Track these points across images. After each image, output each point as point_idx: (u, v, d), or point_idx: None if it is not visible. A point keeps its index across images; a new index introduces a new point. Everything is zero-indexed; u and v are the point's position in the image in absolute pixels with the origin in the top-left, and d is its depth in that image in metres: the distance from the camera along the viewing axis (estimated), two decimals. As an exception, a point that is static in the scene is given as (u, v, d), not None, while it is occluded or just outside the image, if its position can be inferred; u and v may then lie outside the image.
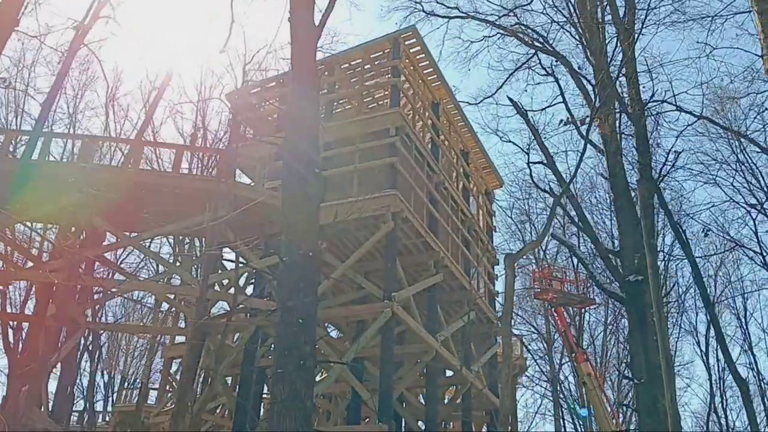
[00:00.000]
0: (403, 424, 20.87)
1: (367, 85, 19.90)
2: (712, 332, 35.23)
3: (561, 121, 13.50)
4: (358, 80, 19.75)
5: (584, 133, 11.60)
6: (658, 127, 19.85)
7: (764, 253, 18.59)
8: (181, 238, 28.00)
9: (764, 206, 17.16)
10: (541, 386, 38.93)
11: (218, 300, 15.74)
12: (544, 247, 35.52)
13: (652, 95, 12.63)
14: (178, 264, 28.03)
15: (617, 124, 15.11)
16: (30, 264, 19.02)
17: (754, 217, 17.77)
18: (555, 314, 27.01)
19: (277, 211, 10.41)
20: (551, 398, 36.47)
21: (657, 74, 21.62)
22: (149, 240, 25.74)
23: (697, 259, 30.33)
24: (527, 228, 36.84)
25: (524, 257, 37.16)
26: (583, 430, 28.59)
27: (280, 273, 10.53)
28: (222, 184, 14.46)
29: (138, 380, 38.23)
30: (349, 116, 19.64)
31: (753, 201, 18.69)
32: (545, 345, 36.92)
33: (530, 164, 16.88)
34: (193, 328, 14.97)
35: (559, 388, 36.14)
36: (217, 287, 17.42)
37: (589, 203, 36.10)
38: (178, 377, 21.73)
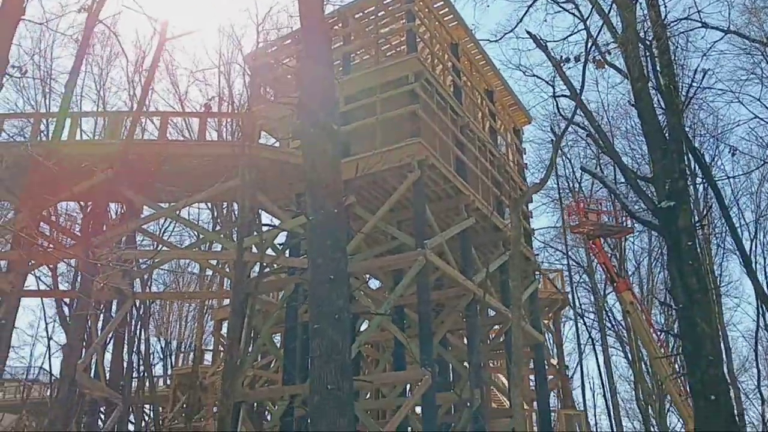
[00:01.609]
0: (450, 367, 21.26)
1: (382, 33, 19.61)
2: (758, 249, 34.75)
3: (573, 57, 13.11)
4: (373, 29, 19.48)
5: (583, 66, 11.28)
6: (687, 46, 19.28)
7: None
8: (218, 203, 28.52)
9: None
10: (588, 318, 39.04)
11: (255, 261, 16.04)
12: (579, 180, 35.14)
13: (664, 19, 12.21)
14: (218, 229, 28.64)
15: (641, 48, 14.67)
16: (73, 242, 19.60)
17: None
18: (593, 246, 26.86)
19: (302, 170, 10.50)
20: (598, 329, 36.54)
21: (681, -10, 20.83)
22: (187, 208, 26.18)
23: (739, 177, 29.78)
24: (561, 162, 36.35)
25: (561, 191, 36.96)
26: None
27: (307, 232, 10.73)
28: (246, 148, 14.60)
29: (192, 344, 39.46)
30: (367, 67, 19.46)
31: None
32: (588, 277, 36.82)
33: (555, 97, 16.57)
34: (234, 290, 15.41)
35: (605, 318, 36.16)
36: (255, 249, 17.75)
37: (624, 130, 35.48)
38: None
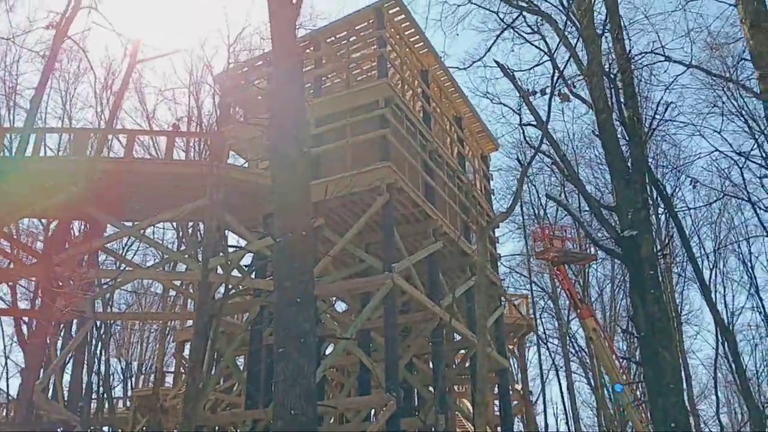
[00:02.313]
0: (415, 392, 21.21)
1: (353, 58, 19.80)
2: (718, 278, 35.52)
3: (539, 90, 13.39)
4: (344, 53, 19.65)
5: (549, 98, 11.56)
6: (651, 79, 19.80)
7: (752, 201, 18.61)
8: (183, 223, 28.23)
9: (751, 155, 17.19)
10: (552, 343, 39.38)
11: (220, 283, 15.91)
12: (545, 207, 35.65)
13: (628, 53, 12.56)
14: (182, 249, 28.32)
15: (606, 80, 15.03)
16: (34, 260, 19.21)
17: (741, 165, 17.81)
18: (557, 272, 27.20)
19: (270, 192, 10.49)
20: (562, 354, 36.85)
21: (644, 26, 21.48)
22: (151, 228, 25.89)
23: (700, 208, 30.50)
24: (527, 188, 36.84)
25: (526, 217, 37.42)
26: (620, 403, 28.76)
27: (274, 254, 10.68)
28: (214, 168, 14.53)
29: (153, 365, 38.77)
30: (338, 90, 19.60)
31: (746, 148, 18.72)
32: (553, 303, 37.22)
33: (522, 125, 16.86)
34: (197, 311, 15.21)
35: (569, 344, 36.51)
36: (220, 270, 17.59)
37: (588, 159, 36.17)
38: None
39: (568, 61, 14.11)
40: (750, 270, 35.87)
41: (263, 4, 11.03)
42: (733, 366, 18.40)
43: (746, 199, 19.46)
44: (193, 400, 13.80)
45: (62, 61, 28.47)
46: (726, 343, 18.21)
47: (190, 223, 28.78)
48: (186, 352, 27.07)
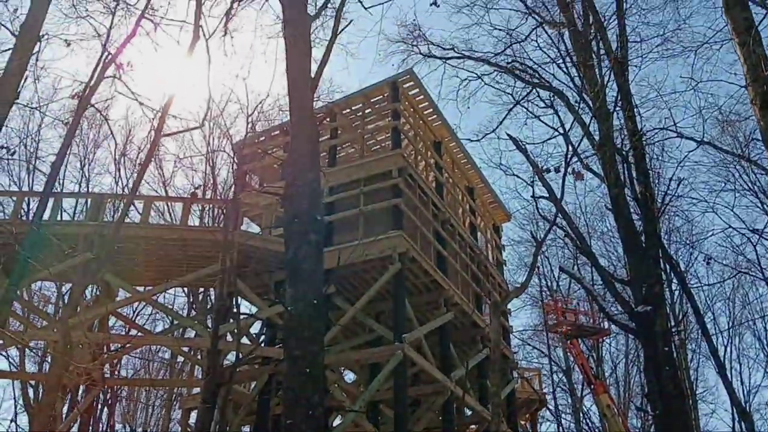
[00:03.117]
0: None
1: (368, 129, 20.22)
2: (734, 355, 34.84)
3: (553, 168, 13.57)
4: (359, 125, 20.07)
5: (563, 174, 11.71)
6: (663, 155, 20.00)
7: (766, 278, 18.45)
8: (195, 289, 28.25)
9: (765, 232, 17.16)
10: (565, 419, 38.39)
11: (230, 350, 15.80)
12: (558, 279, 35.44)
13: (638, 131, 12.78)
14: (193, 315, 28.26)
15: (617, 156, 15.21)
16: (45, 323, 19.22)
17: (754, 243, 17.77)
18: (571, 346, 26.80)
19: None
20: (575, 430, 35.90)
21: (656, 103, 21.85)
22: (162, 293, 25.90)
23: (713, 285, 30.23)
24: (540, 260, 36.70)
25: (539, 289, 37.16)
26: None
27: (285, 322, 10.65)
28: (229, 235, 14.64)
29: (158, 432, 38.03)
30: (352, 160, 19.92)
31: (759, 224, 18.73)
32: (566, 377, 36.50)
33: (535, 198, 16.99)
34: (205, 379, 15.04)
35: (582, 419, 35.60)
36: (229, 337, 17.50)
37: (601, 232, 36.13)
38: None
39: (582, 139, 14.35)
40: (766, 348, 35.22)
41: (283, 76, 11.35)
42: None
43: (761, 276, 19.27)
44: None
45: (83, 126, 29.25)
46: (743, 423, 17.69)
47: (201, 289, 28.80)
48: (192, 420, 26.66)
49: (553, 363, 37.19)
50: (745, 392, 35.50)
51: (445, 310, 18.48)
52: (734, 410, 16.80)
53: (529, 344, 38.11)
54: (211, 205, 27.89)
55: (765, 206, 19.23)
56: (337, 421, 19.23)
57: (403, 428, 15.26)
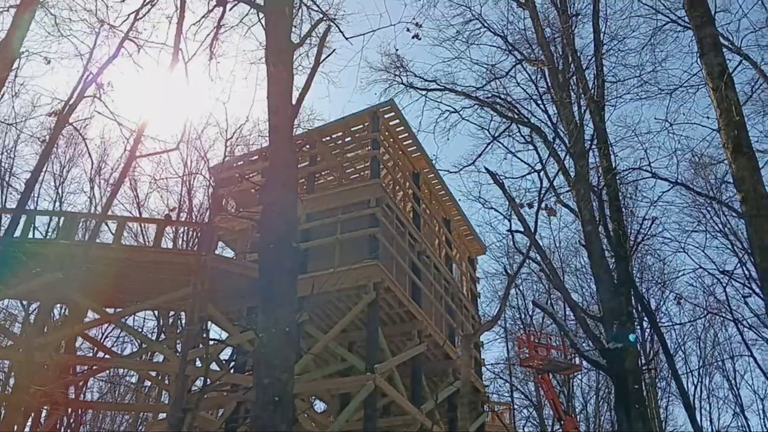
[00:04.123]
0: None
1: (347, 157, 20.30)
2: (703, 394, 35.10)
3: (527, 204, 13.74)
4: (338, 153, 20.14)
5: (537, 209, 11.86)
6: (636, 194, 20.28)
7: (735, 319, 18.73)
8: (165, 312, 27.84)
9: (734, 273, 17.45)
10: (535, 455, 38.21)
11: (198, 376, 15.54)
12: (531, 314, 35.55)
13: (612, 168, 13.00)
14: (162, 339, 27.80)
15: (592, 193, 15.41)
16: (10, 342, 18.80)
17: (724, 284, 18.06)
18: (542, 381, 26.81)
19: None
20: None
21: (631, 143, 22.24)
22: (132, 315, 25.53)
23: (684, 324, 30.56)
24: (514, 293, 36.85)
25: (511, 323, 37.26)
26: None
27: (256, 349, 10.52)
28: (202, 258, 14.51)
29: (121, 458, 37.14)
30: (331, 188, 19.95)
31: (729, 266, 19.04)
32: (536, 412, 36.43)
33: (511, 232, 17.13)
34: (172, 405, 14.77)
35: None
36: (198, 362, 17.24)
37: (574, 268, 36.41)
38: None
39: (555, 175, 14.55)
40: (735, 388, 35.55)
41: (263, 101, 11.39)
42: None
43: (730, 317, 19.53)
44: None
45: (59, 144, 28.96)
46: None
47: (172, 313, 28.40)
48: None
49: (523, 397, 37.17)
50: (713, 431, 35.72)
51: (418, 341, 18.40)
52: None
53: (501, 378, 38.05)
54: (185, 228, 27.66)
55: (735, 248, 19.58)
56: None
57: (372, 460, 15.09)
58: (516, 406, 35.55)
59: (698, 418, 32.69)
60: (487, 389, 25.92)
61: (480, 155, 20.45)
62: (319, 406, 24.62)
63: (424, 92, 21.56)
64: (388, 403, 18.56)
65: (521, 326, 35.95)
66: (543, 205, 12.84)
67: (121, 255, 16.41)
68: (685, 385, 33.98)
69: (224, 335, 18.27)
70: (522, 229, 15.31)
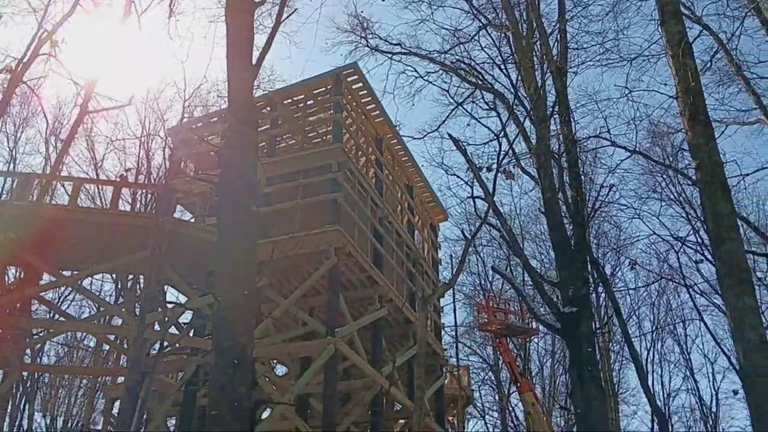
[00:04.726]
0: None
1: (309, 121, 20.06)
2: (656, 358, 36.21)
3: (485, 168, 13.82)
4: (300, 116, 19.89)
5: (495, 174, 11.93)
6: (595, 162, 20.55)
7: (687, 285, 19.27)
8: (123, 276, 27.46)
9: (687, 240, 17.89)
10: (491, 416, 39.12)
11: (157, 339, 15.43)
12: (490, 280, 36.02)
13: (572, 136, 13.12)
14: (120, 302, 27.46)
15: (552, 160, 15.53)
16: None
17: (677, 250, 18.50)
18: (500, 345, 27.29)
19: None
20: (501, 428, 36.62)
21: (591, 111, 22.45)
22: (90, 279, 25.16)
23: (638, 288, 31.35)
24: (474, 260, 37.26)
25: (472, 288, 37.74)
26: None
27: (215, 312, 10.46)
28: (160, 221, 14.30)
29: (80, 423, 36.95)
30: (292, 151, 19.74)
31: (684, 234, 19.50)
32: (494, 375, 37.19)
33: (473, 198, 17.21)
34: (130, 368, 14.67)
35: (508, 417, 36.34)
36: (157, 326, 17.10)
37: (534, 234, 36.92)
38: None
39: (515, 138, 14.62)
40: (686, 353, 36.72)
41: (222, 61, 11.12)
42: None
43: (682, 283, 20.07)
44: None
45: (13, 104, 28.05)
46: (659, 425, 18.41)
47: (130, 277, 28.05)
48: (115, 410, 25.94)
49: (481, 361, 37.88)
50: (665, 395, 36.97)
51: (379, 306, 18.52)
52: (652, 413, 17.39)
53: (460, 342, 38.62)
54: (143, 191, 27.15)
55: (690, 216, 20.05)
56: (265, 414, 19.06)
57: (332, 422, 15.25)
58: (474, 369, 36.26)
59: (650, 381, 33.79)
60: (446, 353, 26.29)
61: (444, 121, 20.46)
62: (280, 369, 24.75)
63: (389, 56, 21.38)
64: (349, 366, 18.73)
65: (481, 292, 36.45)
66: (502, 169, 12.91)
67: (77, 216, 16.07)
68: (638, 349, 35.06)
69: (184, 299, 18.15)
70: (483, 196, 15.42)
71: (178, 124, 20.46)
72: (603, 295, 30.58)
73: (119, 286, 30.47)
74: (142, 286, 23.05)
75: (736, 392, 26.71)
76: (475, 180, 15.25)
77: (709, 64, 13.90)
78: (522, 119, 16.22)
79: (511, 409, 36.65)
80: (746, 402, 8.27)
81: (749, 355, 8.13)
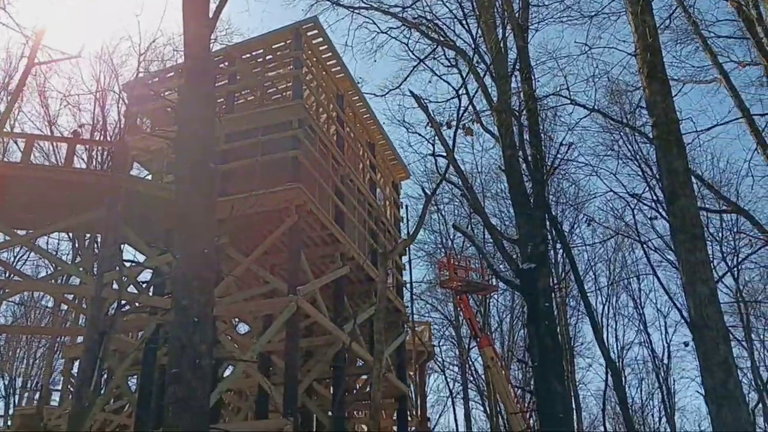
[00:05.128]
0: (315, 417, 20.95)
1: (268, 76, 19.67)
2: (611, 313, 37.24)
3: (445, 123, 13.81)
4: (259, 71, 19.50)
5: (454, 133, 11.95)
6: (555, 119, 20.67)
7: (642, 241, 19.73)
8: (80, 235, 27.01)
9: (643, 197, 18.22)
10: (452, 371, 39.96)
11: (115, 298, 15.26)
12: (452, 238, 36.37)
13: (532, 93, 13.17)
14: (77, 261, 27.04)
15: (513, 118, 15.58)
16: None
17: (632, 206, 18.88)
18: (460, 301, 27.73)
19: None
20: (461, 382, 37.47)
21: (551, 70, 22.47)
22: (46, 238, 24.66)
23: (595, 245, 32.01)
24: (436, 218, 37.52)
25: (434, 246, 38.08)
26: None
27: (174, 271, 10.35)
28: (116, 179, 14.01)
29: (39, 383, 36.67)
30: (251, 108, 19.39)
31: (640, 192, 19.81)
32: (455, 331, 37.86)
33: (435, 156, 17.21)
34: (88, 327, 14.53)
35: (468, 372, 37.16)
36: (116, 285, 16.90)
37: (494, 193, 37.25)
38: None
39: (475, 93, 14.59)
40: (640, 307, 37.85)
41: (178, 14, 10.78)
42: (619, 399, 19.24)
43: (637, 239, 20.54)
44: (77, 420, 13.10)
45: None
46: (613, 377, 19.01)
47: (88, 236, 27.60)
48: (75, 370, 25.74)
49: (442, 317, 38.48)
50: (619, 348, 38.18)
51: (341, 264, 18.55)
52: (606, 366, 17.91)
53: (422, 299, 39.12)
54: (99, 148, 26.52)
55: (646, 175, 20.40)
56: (228, 372, 19.12)
57: (294, 378, 15.36)
58: (435, 326, 36.85)
59: (604, 335, 34.81)
60: (407, 309, 26.62)
61: (405, 78, 20.32)
62: (243, 328, 24.76)
63: (350, 10, 21.02)
64: (311, 324, 18.84)
65: (442, 250, 36.82)
66: (461, 125, 12.92)
67: (31, 174, 15.65)
68: (594, 304, 36.01)
69: (142, 258, 17.93)
70: (444, 153, 15.44)
71: (134, 79, 19.90)
72: (561, 251, 31.14)
73: (76, 245, 30.01)
74: (99, 245, 22.72)
75: (686, 344, 27.68)
76: (436, 137, 15.25)
77: (668, 21, 13.99)
78: (483, 76, 16.17)
79: (471, 363, 37.48)
80: (696, 353, 8.55)
81: (700, 308, 8.39)
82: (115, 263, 15.48)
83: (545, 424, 12.18)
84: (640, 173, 21.31)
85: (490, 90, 16.25)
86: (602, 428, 36.10)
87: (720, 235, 22.30)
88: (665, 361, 37.20)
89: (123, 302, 13.29)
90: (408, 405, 23.66)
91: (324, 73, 19.98)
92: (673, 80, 13.33)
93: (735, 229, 25.99)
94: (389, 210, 24.52)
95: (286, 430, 14.41)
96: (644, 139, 18.95)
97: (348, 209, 19.68)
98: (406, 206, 26.48)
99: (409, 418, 24.43)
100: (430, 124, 13.40)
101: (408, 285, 26.10)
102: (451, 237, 37.02)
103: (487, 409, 35.78)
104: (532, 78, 15.19)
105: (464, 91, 17.02)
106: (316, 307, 17.02)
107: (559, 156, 14.19)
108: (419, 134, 18.94)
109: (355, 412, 26.10)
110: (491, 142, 23.04)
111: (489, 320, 36.92)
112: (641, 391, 40.31)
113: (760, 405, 29.46)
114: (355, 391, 22.87)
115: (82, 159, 26.83)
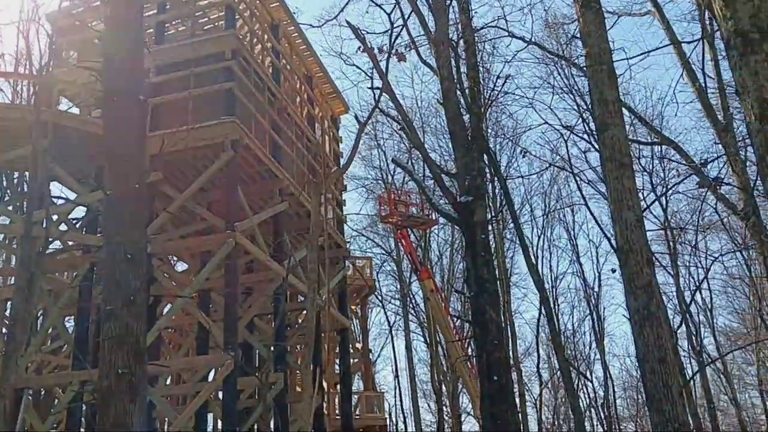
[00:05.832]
0: (256, 352, 21.12)
1: (199, 6, 18.91)
2: (545, 245, 38.34)
3: (377, 49, 13.63)
4: (190, 0, 18.71)
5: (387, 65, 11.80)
6: (493, 51, 20.63)
7: (575, 173, 20.21)
8: (7, 173, 25.91)
9: (577, 129, 18.55)
10: (393, 304, 40.74)
11: (45, 237, 14.83)
12: (392, 173, 36.47)
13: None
14: (6, 200, 26.03)
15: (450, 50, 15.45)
16: None
17: (566, 139, 19.24)
18: (401, 236, 28.06)
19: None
20: (402, 315, 38.27)
21: (490, 1, 22.27)
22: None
23: (530, 177, 32.66)
24: (376, 153, 37.48)
25: (374, 181, 38.15)
26: None
27: (105, 208, 10.09)
28: (41, 114, 13.40)
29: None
30: (182, 39, 18.67)
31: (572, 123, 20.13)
32: (396, 265, 38.40)
33: (373, 89, 17.00)
34: (19, 268, 14.13)
35: (409, 304, 37.93)
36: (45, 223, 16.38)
37: (434, 127, 37.36)
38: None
39: (408, 16, 14.41)
40: (573, 239, 39.10)
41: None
42: (549, 326, 20.07)
43: (570, 171, 21.02)
44: (9, 361, 12.86)
45: None
46: (544, 305, 19.74)
47: (15, 174, 26.50)
48: (8, 312, 25.11)
49: (383, 252, 38.92)
50: (553, 278, 39.54)
51: (280, 199, 18.42)
52: (540, 295, 18.57)
53: (363, 235, 39.41)
54: (23, 81, 25.19)
55: (580, 107, 20.72)
56: (167, 309, 18.99)
57: (233, 314, 15.39)
58: (376, 261, 37.29)
59: (539, 266, 35.93)
60: (349, 245, 26.79)
61: (342, 9, 19.75)
62: (181, 266, 24.51)
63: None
64: (251, 261, 18.77)
65: (382, 185, 36.95)
66: (394, 51, 12.79)
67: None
68: (530, 236, 36.96)
69: (72, 196, 17.40)
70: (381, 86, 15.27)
71: (58, 9, 18.85)
72: (497, 185, 31.65)
73: (4, 184, 28.80)
74: (27, 182, 21.86)
75: (614, 270, 28.82)
76: (374, 69, 15.04)
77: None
78: (422, 9, 15.90)
79: (411, 297, 38.25)
80: (621, 276, 8.91)
81: (626, 234, 8.70)
82: (44, 201, 14.98)
83: (480, 351, 12.57)
84: (575, 106, 21.65)
85: (427, 20, 16.01)
86: (536, 354, 37.66)
87: (651, 166, 23.03)
88: (596, 289, 38.81)
89: (51, 240, 12.91)
90: (350, 338, 24.07)
91: (257, 1, 19.32)
92: (608, 12, 13.44)
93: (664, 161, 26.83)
94: (328, 145, 24.31)
95: (227, 364, 14.52)
96: (579, 72, 19.16)
97: (286, 144, 19.42)
98: (345, 141, 26.33)
99: (351, 351, 24.89)
100: (363, 50, 13.18)
101: (347, 219, 26.19)
102: (392, 172, 37.15)
103: (427, 338, 36.77)
104: (469, 9, 15.03)
105: (401, 20, 16.81)
106: (255, 244, 16.94)
107: (496, 89, 14.26)
108: (357, 66, 18.59)
109: (297, 347, 26.48)
110: (430, 74, 22.89)
111: (429, 254, 37.55)
112: (573, 318, 42.09)
113: (683, 327, 31.13)
114: (297, 326, 23.11)
115: (6, 94, 25.55)
